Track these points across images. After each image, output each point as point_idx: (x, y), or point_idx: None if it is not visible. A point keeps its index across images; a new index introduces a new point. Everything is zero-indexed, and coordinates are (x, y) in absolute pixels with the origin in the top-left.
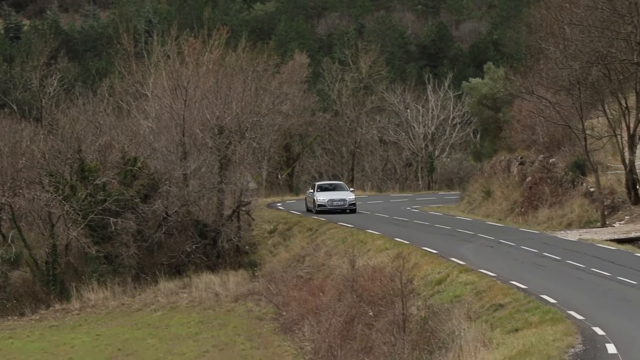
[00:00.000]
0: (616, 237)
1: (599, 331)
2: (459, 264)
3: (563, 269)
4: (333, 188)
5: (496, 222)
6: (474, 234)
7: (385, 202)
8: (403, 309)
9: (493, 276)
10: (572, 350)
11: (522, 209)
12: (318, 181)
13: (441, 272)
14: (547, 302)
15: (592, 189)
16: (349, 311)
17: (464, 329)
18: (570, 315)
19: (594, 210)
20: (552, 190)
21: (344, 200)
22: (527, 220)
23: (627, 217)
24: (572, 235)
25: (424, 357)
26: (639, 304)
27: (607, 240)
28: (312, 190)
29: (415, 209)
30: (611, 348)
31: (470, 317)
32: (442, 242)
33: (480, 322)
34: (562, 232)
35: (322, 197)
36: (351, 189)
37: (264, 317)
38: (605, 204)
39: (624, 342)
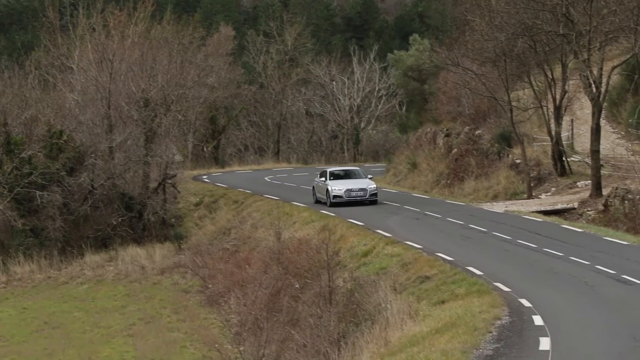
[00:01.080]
0: (542, 208)
1: (525, 303)
2: (385, 236)
3: (489, 240)
4: (348, 175)
5: (422, 194)
6: (400, 205)
7: (311, 175)
8: (329, 281)
9: (419, 248)
10: (499, 322)
11: (448, 181)
12: (330, 167)
13: (367, 244)
14: (473, 274)
15: (518, 161)
16: (275, 283)
17: (390, 301)
18: (496, 287)
19: (520, 181)
20: (478, 162)
21: (364, 190)
22: (453, 192)
23: (553, 189)
24: (498, 207)
25: (350, 329)
26: (566, 276)
27: (533, 211)
28: (322, 179)
29: None
30: (538, 320)
31: (396, 289)
32: (368, 214)
33: (407, 294)
34: (488, 203)
35: (337, 187)
36: (369, 176)
37: (190, 289)
38: (531, 175)
39: (550, 313)
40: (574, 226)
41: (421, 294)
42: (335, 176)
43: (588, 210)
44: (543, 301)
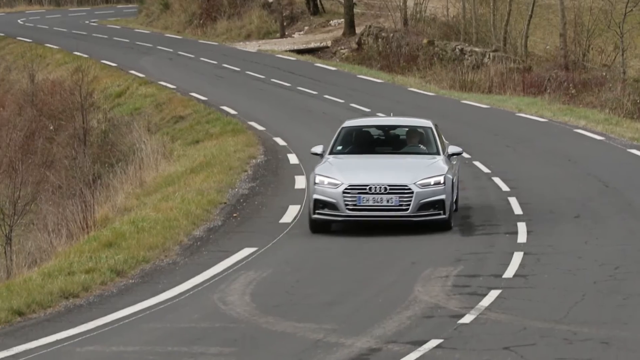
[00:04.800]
0: (296, 47)
1: (280, 142)
2: (138, 76)
3: (243, 80)
4: (394, 141)
5: (175, 35)
6: (153, 46)
7: (63, 17)
8: (83, 123)
9: (173, 88)
10: (254, 161)
11: (201, 21)
12: (351, 120)
13: (121, 85)
14: (227, 113)
15: (270, 0)
16: (30, 125)
17: (145, 142)
18: (251, 126)
19: (273, 21)
20: (231, 2)
21: (403, 189)
22: (206, 32)
23: (306, 28)
24: (252, 46)
25: (105, 170)
26: (319, 115)
27: (286, 50)
28: (320, 151)
29: (93, 22)
30: (293, 158)
31: (150, 130)
32: (121, 55)
33: (161, 135)
34: (241, 43)
35: (333, 180)
36: (451, 148)
37: None
38: (284, 14)
39: (305, 152)
40: (327, 65)
41: (175, 134)
42: (355, 143)
43: (341, 49)
44: (298, 140)
